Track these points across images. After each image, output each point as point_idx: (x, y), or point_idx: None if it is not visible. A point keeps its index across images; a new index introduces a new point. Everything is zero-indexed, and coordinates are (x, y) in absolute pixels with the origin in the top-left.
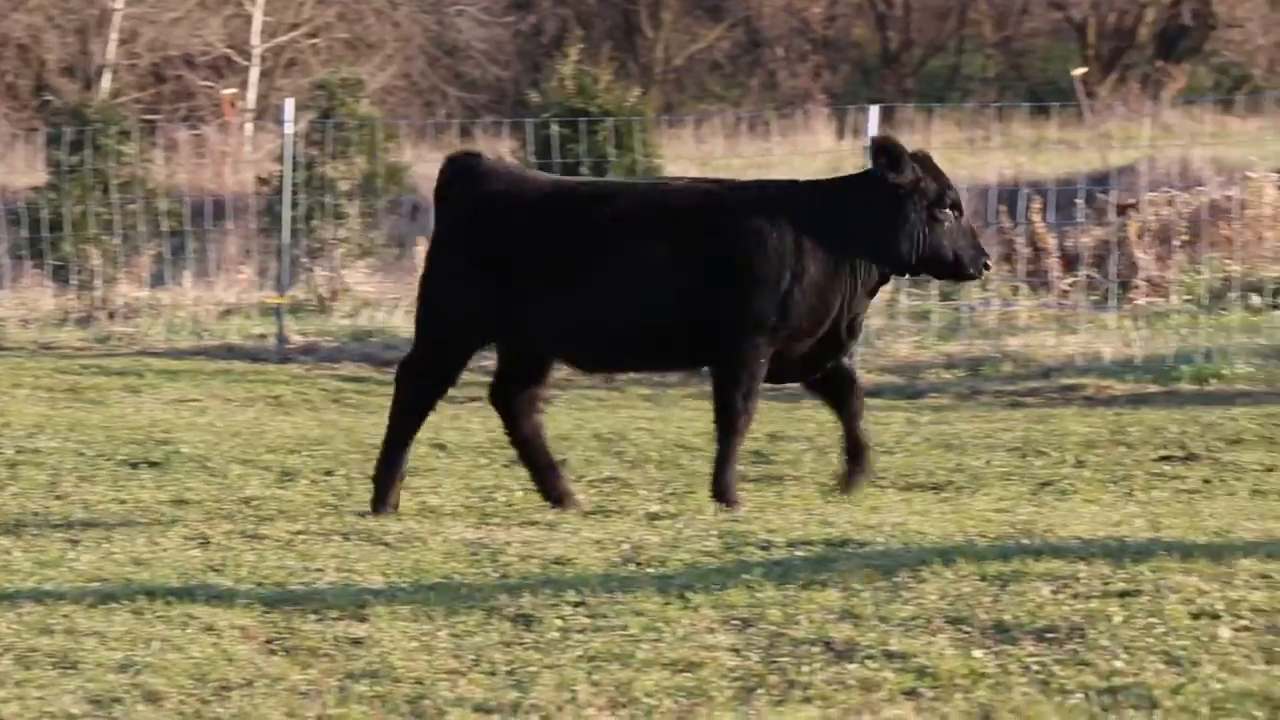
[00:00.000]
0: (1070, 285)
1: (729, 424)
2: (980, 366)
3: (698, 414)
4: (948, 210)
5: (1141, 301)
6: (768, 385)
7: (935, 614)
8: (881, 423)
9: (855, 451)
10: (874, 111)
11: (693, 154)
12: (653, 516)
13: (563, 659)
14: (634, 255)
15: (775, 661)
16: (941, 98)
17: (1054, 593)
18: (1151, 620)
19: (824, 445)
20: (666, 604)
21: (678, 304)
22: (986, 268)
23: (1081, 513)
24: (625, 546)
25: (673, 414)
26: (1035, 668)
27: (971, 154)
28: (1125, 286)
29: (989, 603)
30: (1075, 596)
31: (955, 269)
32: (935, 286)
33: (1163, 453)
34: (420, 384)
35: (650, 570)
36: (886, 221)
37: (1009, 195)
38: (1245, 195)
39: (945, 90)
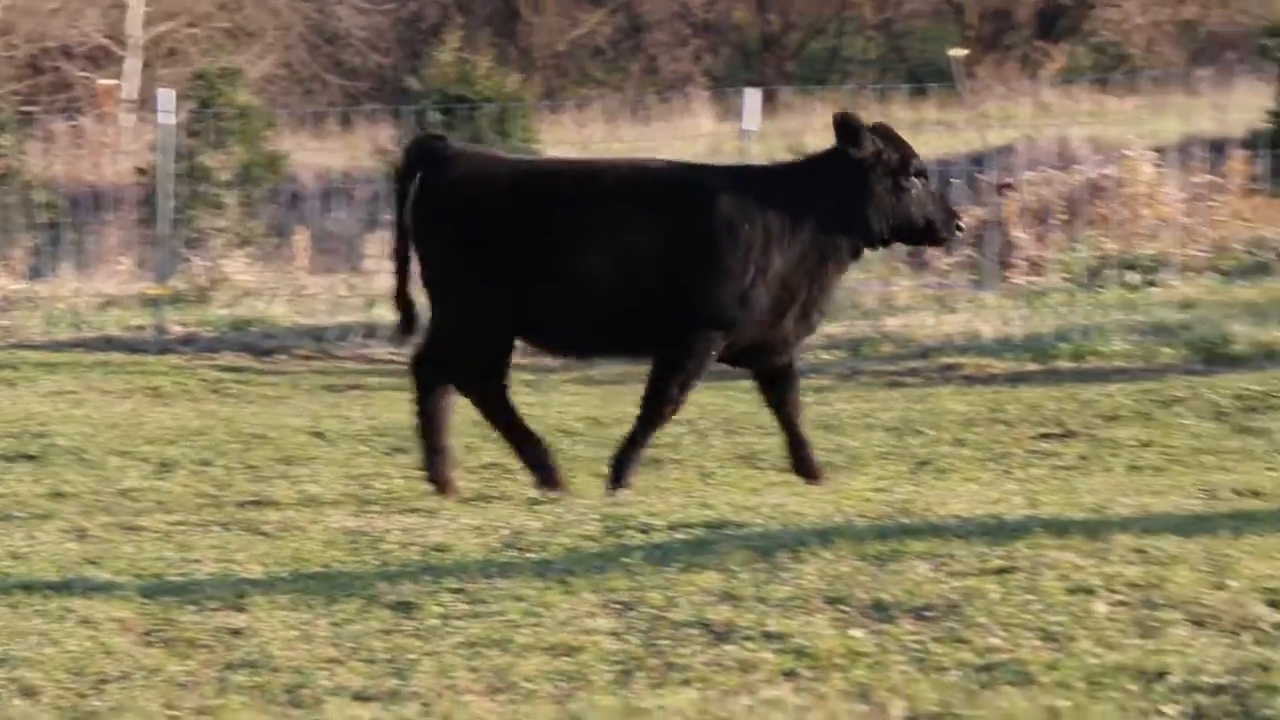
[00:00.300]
0: (949, 265)
1: (657, 409)
2: (860, 347)
3: (577, 399)
4: (913, 178)
5: (1020, 280)
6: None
7: (814, 594)
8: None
9: (798, 448)
10: (751, 94)
11: (573, 139)
12: (533, 502)
13: (442, 646)
14: (604, 238)
15: (655, 644)
16: (822, 80)
17: (932, 571)
18: (1028, 597)
19: (704, 428)
20: (546, 589)
21: (647, 288)
22: (960, 229)
23: (960, 491)
24: (505, 532)
25: (553, 399)
26: (913, 646)
27: None
28: (1004, 266)
29: (867, 582)
30: (953, 574)
31: (928, 235)
32: None
33: (1041, 430)
34: (425, 372)
35: (530, 555)
36: (854, 197)
37: None
38: (1122, 174)
39: (826, 72)
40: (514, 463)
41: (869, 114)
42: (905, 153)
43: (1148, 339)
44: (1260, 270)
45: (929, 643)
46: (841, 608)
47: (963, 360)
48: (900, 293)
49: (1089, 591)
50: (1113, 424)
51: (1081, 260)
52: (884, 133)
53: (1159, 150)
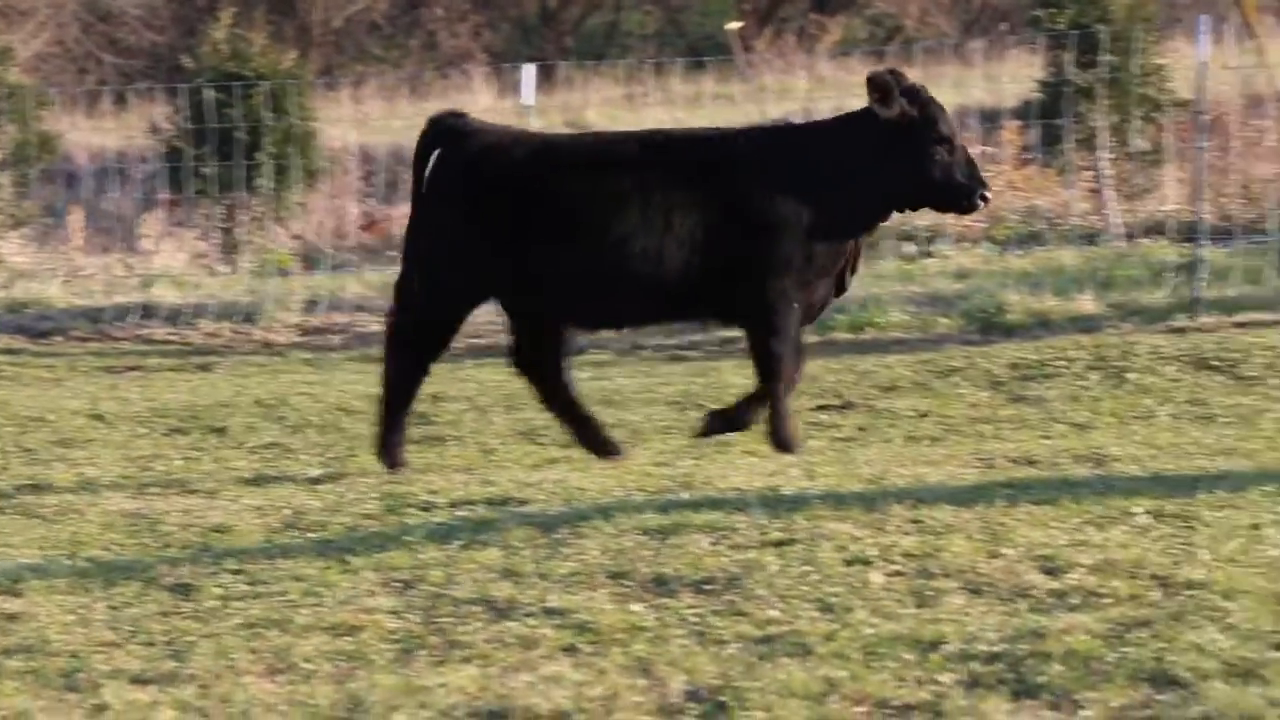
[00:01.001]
0: None
1: (774, 374)
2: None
3: (359, 377)
4: (940, 144)
5: None
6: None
7: (595, 569)
8: None
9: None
10: (528, 70)
11: (351, 116)
12: (314, 481)
13: (221, 627)
14: (643, 208)
15: (436, 622)
16: (601, 55)
17: (712, 544)
18: (806, 568)
19: (484, 405)
20: (327, 568)
21: (693, 255)
22: (985, 199)
23: (740, 464)
24: (286, 512)
25: (334, 378)
26: (693, 619)
27: (631, 110)
28: None
29: (649, 556)
30: (733, 547)
31: (951, 202)
32: None
33: (819, 402)
34: (415, 347)
35: (311, 535)
36: (880, 159)
37: None
38: None
39: (604, 47)
40: (295, 442)
41: (648, 89)
42: (934, 116)
43: (924, 309)
44: (1033, 239)
45: (709, 616)
46: (622, 582)
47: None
48: None
49: (866, 562)
50: (890, 395)
51: None
52: (915, 94)
53: None
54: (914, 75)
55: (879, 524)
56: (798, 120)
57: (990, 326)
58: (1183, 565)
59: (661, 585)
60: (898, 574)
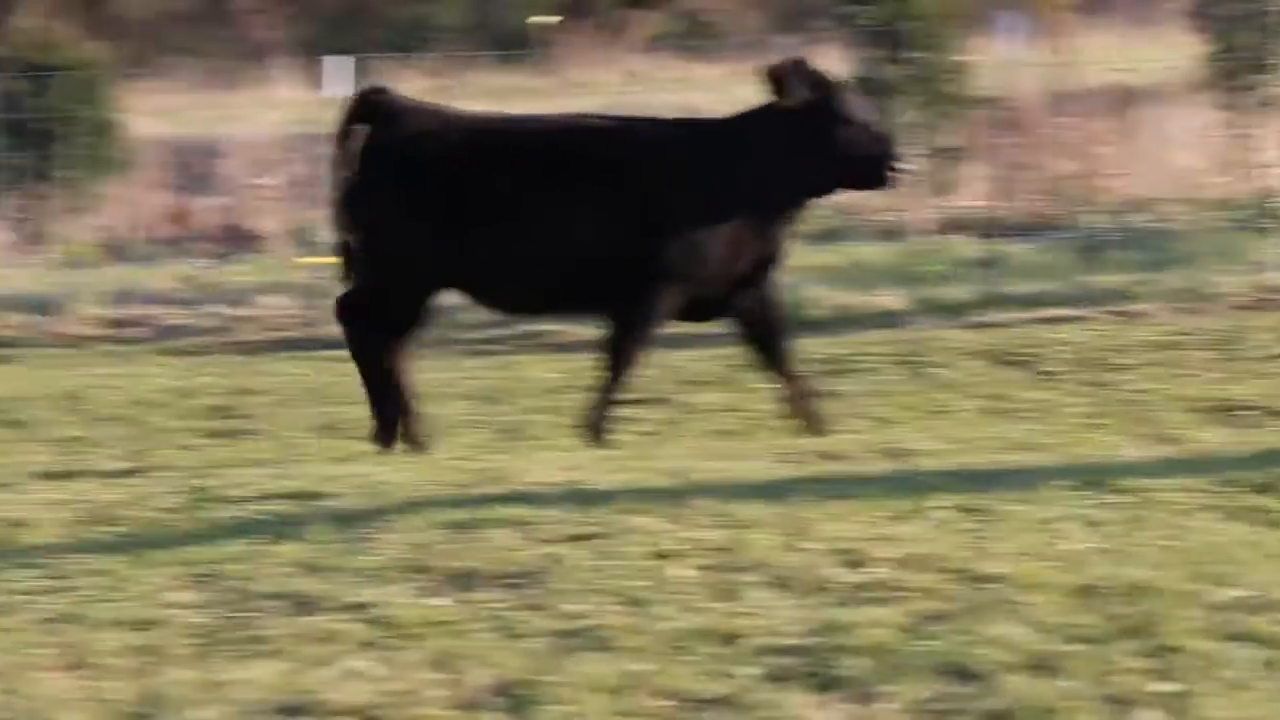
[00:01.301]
0: None
1: (618, 369)
2: (445, 315)
3: (162, 370)
4: (844, 125)
5: None
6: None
7: (397, 564)
8: (346, 374)
9: (799, 398)
10: (334, 62)
11: (158, 107)
12: (115, 475)
13: (18, 622)
14: (557, 193)
15: (237, 617)
16: (410, 47)
17: (516, 538)
18: (609, 562)
19: (288, 398)
20: (127, 563)
21: (599, 246)
22: (899, 171)
23: (544, 458)
24: (87, 506)
25: (137, 371)
26: (495, 613)
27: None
28: None
29: (451, 551)
30: (536, 541)
31: (863, 181)
32: None
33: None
34: (369, 320)
35: (111, 529)
36: (788, 150)
37: None
38: None
39: (414, 40)
40: (97, 435)
41: (458, 82)
42: (835, 98)
43: None
44: (835, 234)
45: (511, 610)
46: (424, 577)
47: (549, 327)
48: None
49: (669, 556)
50: (695, 389)
51: None
52: (816, 79)
53: None
54: (724, 71)
55: (683, 518)
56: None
57: (794, 320)
58: (982, 559)
59: (464, 579)
60: (701, 568)
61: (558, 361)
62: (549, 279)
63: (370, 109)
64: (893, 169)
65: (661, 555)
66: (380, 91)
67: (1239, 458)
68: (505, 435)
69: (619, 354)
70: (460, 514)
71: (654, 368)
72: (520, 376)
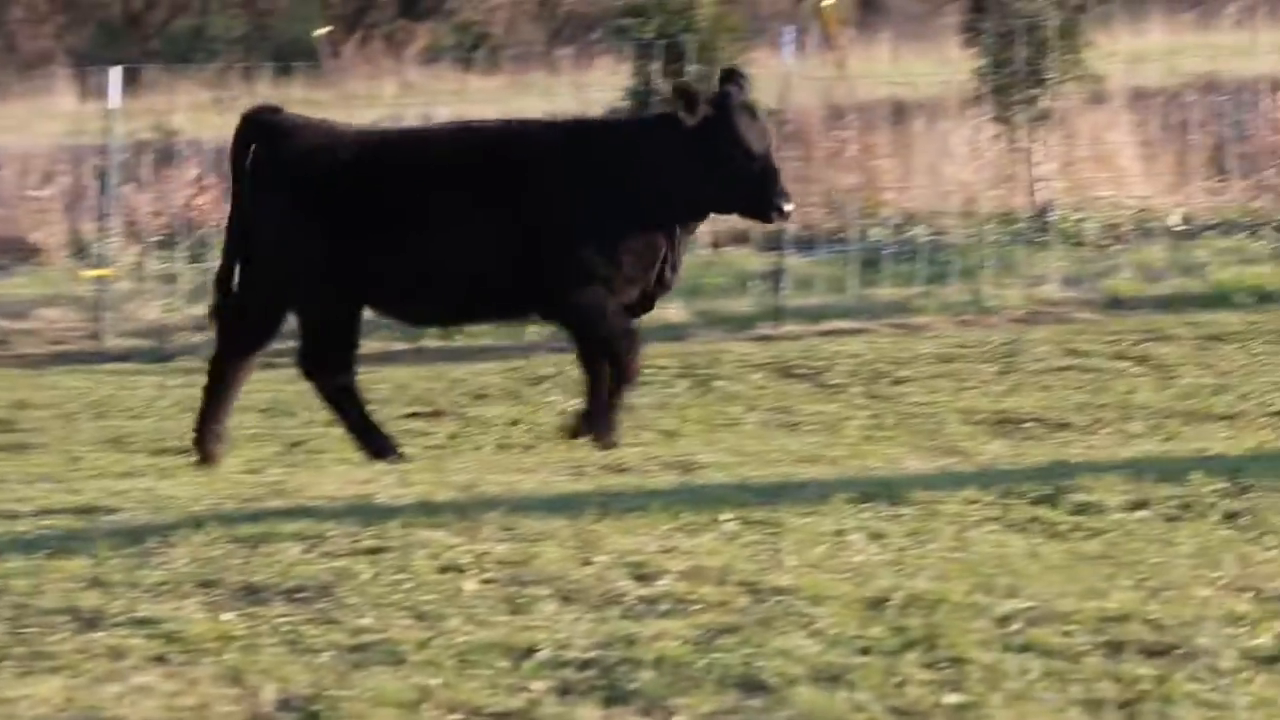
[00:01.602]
0: None
1: (600, 369)
2: None
3: None
4: (738, 152)
5: None
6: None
7: (185, 579)
8: (130, 388)
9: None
10: (114, 73)
11: None
12: None
13: None
14: (456, 203)
15: (21, 633)
16: (187, 58)
17: (304, 552)
18: (400, 576)
19: (71, 412)
20: None
21: (503, 252)
22: (783, 212)
23: (332, 472)
24: None
25: None
26: (285, 628)
27: (219, 114)
28: None
29: (239, 565)
30: (325, 555)
31: (748, 210)
32: (184, 249)
33: (410, 409)
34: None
35: None
36: (680, 162)
37: None
38: None
39: (191, 51)
40: None
41: (236, 93)
42: (735, 125)
43: None
44: None
45: (301, 624)
46: (213, 591)
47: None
48: None
49: (459, 570)
50: (481, 402)
51: None
52: (721, 103)
53: None
54: (501, 82)
55: (472, 531)
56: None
57: None
58: (770, 571)
59: (253, 594)
60: (491, 581)
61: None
62: (453, 288)
63: (260, 128)
64: (776, 205)
65: (451, 569)
66: (269, 110)
67: (1019, 470)
68: (293, 449)
69: (591, 362)
70: (248, 528)
71: (440, 381)
72: (306, 390)
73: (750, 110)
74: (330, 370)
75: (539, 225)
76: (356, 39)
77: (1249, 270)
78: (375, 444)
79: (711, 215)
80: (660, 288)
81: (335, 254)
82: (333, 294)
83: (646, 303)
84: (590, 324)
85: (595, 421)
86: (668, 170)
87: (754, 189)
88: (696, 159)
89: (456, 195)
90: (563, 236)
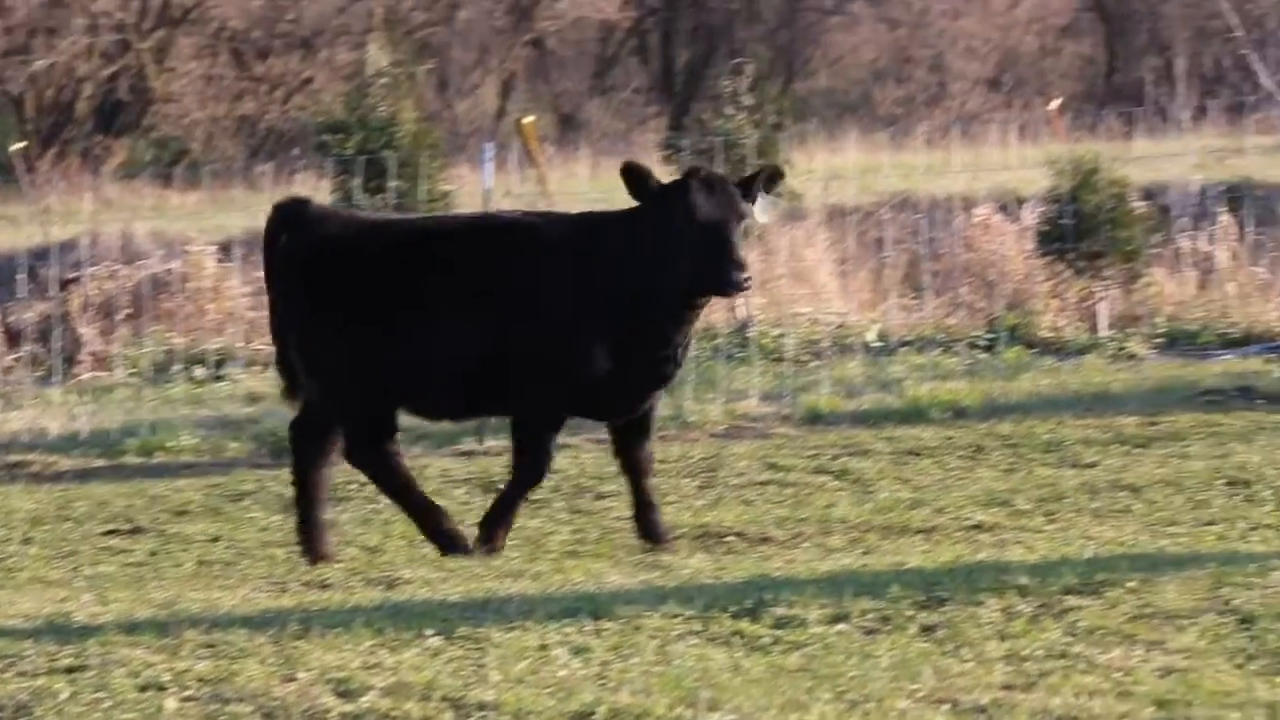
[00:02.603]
0: (14, 361)
1: (522, 470)
2: None
3: None
4: (695, 229)
5: (86, 376)
6: None
7: None
8: None
9: (643, 511)
10: None
11: None
12: None
13: None
14: (442, 295)
15: None
16: None
17: (0, 672)
18: (99, 694)
19: None
20: None
21: (485, 346)
22: (739, 284)
23: (28, 590)
24: None
25: None
26: None
27: None
28: (70, 361)
29: None
30: (21, 675)
31: (710, 287)
32: None
33: (109, 527)
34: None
35: None
36: (644, 249)
37: None
38: (186, 268)
39: None
40: None
41: None
42: (689, 202)
43: (215, 433)
44: None
45: None
46: None
47: (30, 457)
48: None
49: (160, 688)
50: (182, 519)
51: (147, 355)
52: (677, 184)
53: (222, 245)
54: (200, 197)
55: (173, 649)
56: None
57: (281, 451)
58: (474, 687)
59: None
60: (192, 699)
61: (40, 492)
62: (454, 379)
63: (289, 217)
64: (733, 281)
65: (152, 686)
66: (298, 201)
67: (721, 584)
68: None
69: (517, 457)
70: None
71: (139, 498)
72: (2, 507)
73: (709, 185)
74: (381, 459)
75: (512, 316)
76: (53, 154)
77: (944, 386)
78: (443, 536)
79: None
80: (662, 382)
81: (352, 343)
82: (358, 385)
83: (632, 397)
84: (531, 421)
85: (493, 519)
86: (644, 258)
87: (712, 266)
88: (650, 244)
89: (440, 286)
90: (526, 332)
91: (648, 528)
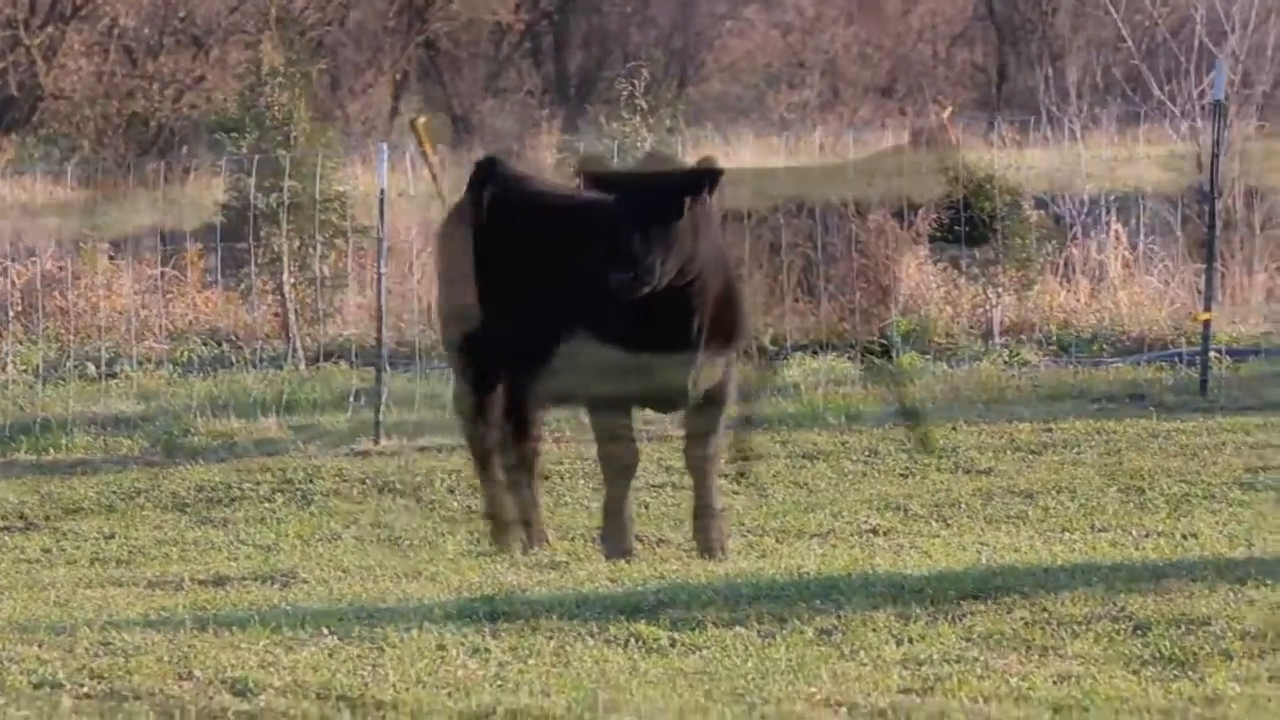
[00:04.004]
0: None
1: None
2: None
3: None
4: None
5: None
6: None
7: None
8: None
9: (695, 515)
10: None
11: None
12: None
13: None
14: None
15: None
16: None
17: None
18: None
19: None
20: None
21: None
22: (620, 287)
23: None
24: None
25: None
26: None
27: None
28: None
29: None
30: None
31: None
32: None
33: (2, 524)
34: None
35: None
36: None
37: None
38: (78, 266)
39: None
40: None
41: None
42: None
43: (107, 431)
44: (218, 362)
45: None
46: None
47: None
48: None
49: (56, 685)
50: (75, 516)
51: (39, 351)
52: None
53: (114, 243)
54: (81, 195)
55: (68, 646)
56: None
57: (174, 448)
58: (371, 686)
59: None
60: (87, 697)
61: None
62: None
63: (485, 176)
64: (616, 282)
65: (47, 684)
66: (494, 160)
67: (618, 586)
68: None
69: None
70: None
71: (32, 495)
72: None
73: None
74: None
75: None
76: None
77: (839, 390)
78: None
79: None
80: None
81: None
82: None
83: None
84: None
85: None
86: None
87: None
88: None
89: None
90: None
91: (694, 532)
